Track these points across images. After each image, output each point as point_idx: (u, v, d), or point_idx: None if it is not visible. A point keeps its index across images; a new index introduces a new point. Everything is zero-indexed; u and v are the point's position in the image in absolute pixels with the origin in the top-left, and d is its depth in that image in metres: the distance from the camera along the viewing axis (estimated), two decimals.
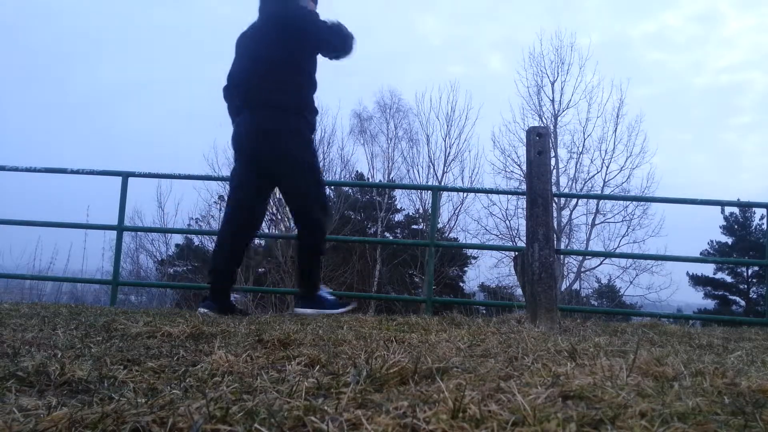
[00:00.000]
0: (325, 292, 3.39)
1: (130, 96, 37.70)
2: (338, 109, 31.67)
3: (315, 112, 3.43)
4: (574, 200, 18.40)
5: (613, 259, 17.85)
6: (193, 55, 40.04)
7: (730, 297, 22.27)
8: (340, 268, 15.84)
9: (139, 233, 16.32)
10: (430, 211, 7.93)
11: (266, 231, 17.09)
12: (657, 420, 0.94)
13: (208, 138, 37.34)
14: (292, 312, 3.38)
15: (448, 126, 18.80)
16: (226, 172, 16.90)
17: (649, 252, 15.70)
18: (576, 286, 18.23)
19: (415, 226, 18.22)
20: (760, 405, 1.08)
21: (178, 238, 17.88)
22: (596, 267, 18.55)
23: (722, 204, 5.60)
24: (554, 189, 15.10)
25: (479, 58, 35.53)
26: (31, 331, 2.05)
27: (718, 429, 0.93)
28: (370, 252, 16.77)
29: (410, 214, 18.80)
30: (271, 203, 17.45)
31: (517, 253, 5.11)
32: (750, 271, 21.41)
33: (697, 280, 22.06)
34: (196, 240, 17.79)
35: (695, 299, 22.12)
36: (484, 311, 9.76)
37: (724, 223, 22.35)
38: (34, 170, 5.48)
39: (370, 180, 18.46)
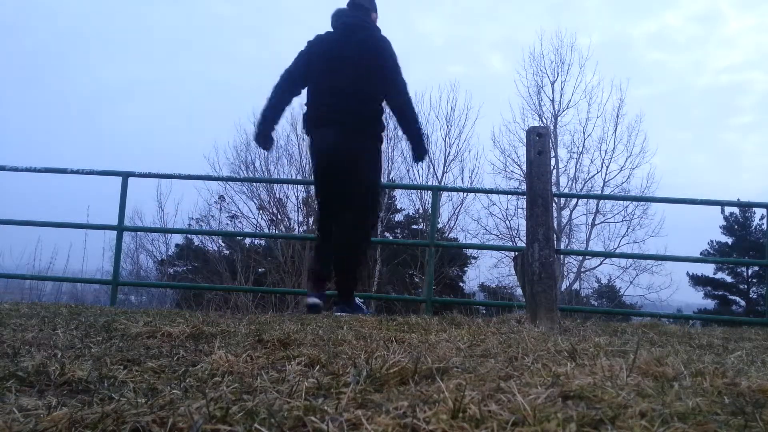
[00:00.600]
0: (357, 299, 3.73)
1: (130, 96, 37.68)
2: None
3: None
4: (574, 200, 18.39)
5: (613, 259, 17.84)
6: (193, 55, 40.02)
7: (730, 297, 22.26)
8: None
9: (139, 233, 16.31)
10: (430, 211, 7.93)
11: (266, 231, 17.10)
12: (657, 420, 0.94)
13: (209, 138, 37.39)
14: (333, 312, 3.61)
15: (448, 126, 18.78)
16: (227, 171, 16.93)
17: (649, 252, 15.68)
18: (576, 286, 18.24)
19: (415, 226, 18.21)
20: (760, 405, 1.08)
21: (178, 238, 17.87)
22: (596, 267, 18.55)
23: (722, 204, 5.60)
24: (554, 189, 15.10)
25: (479, 58, 35.52)
26: (31, 331, 2.05)
27: (718, 429, 0.93)
28: (370, 252, 16.78)
29: (410, 214, 18.80)
30: (271, 203, 17.46)
31: (517, 253, 5.11)
32: (750, 271, 21.40)
33: (697, 280, 22.05)
34: (196, 240, 17.78)
35: (695, 299, 22.13)
36: (484, 311, 9.76)
37: (724, 223, 22.35)
38: (34, 170, 5.48)
39: None
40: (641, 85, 36.58)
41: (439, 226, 16.06)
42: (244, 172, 17.28)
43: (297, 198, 17.81)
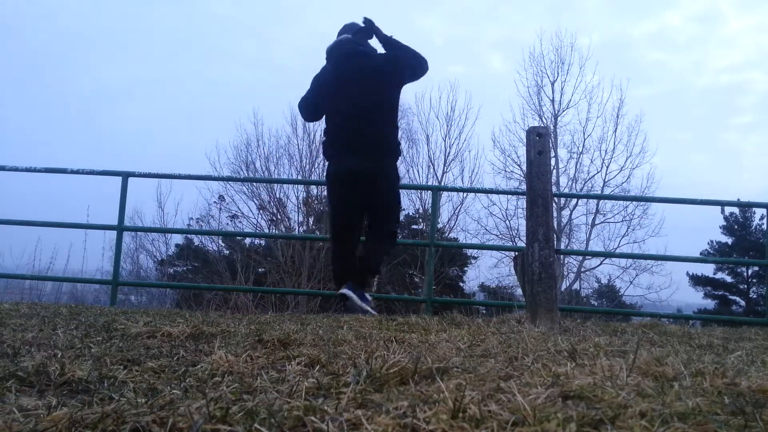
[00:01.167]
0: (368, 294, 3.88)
1: (130, 96, 37.63)
2: None
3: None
4: (574, 200, 18.37)
5: (613, 259, 17.83)
6: (193, 55, 39.98)
7: (730, 297, 22.25)
8: None
9: (139, 233, 16.30)
10: (430, 211, 7.92)
11: (266, 231, 17.10)
12: (657, 420, 0.94)
13: (209, 138, 37.38)
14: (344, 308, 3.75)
15: (447, 126, 18.76)
16: (227, 171, 16.93)
17: (649, 252, 15.68)
18: (576, 286, 18.23)
19: (415, 226, 18.19)
20: (760, 405, 1.08)
21: (178, 238, 17.84)
22: (596, 267, 18.54)
23: (722, 204, 5.60)
24: (554, 189, 15.09)
25: (479, 58, 35.47)
26: (31, 331, 2.05)
27: (718, 429, 0.93)
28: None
29: (410, 214, 18.79)
30: (272, 203, 17.46)
31: (517, 253, 5.11)
32: (750, 271, 21.39)
33: (697, 280, 22.04)
34: (196, 240, 17.77)
35: (695, 299, 22.11)
36: (484, 311, 9.76)
37: (724, 223, 22.34)
38: (34, 170, 5.49)
39: None
40: (641, 85, 36.55)
41: (439, 226, 16.06)
42: (244, 172, 17.29)
43: (297, 198, 17.82)
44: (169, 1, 41.09)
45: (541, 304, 2.90)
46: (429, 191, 11.29)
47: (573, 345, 1.85)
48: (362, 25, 3.96)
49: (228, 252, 16.92)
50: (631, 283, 18.29)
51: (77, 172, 5.48)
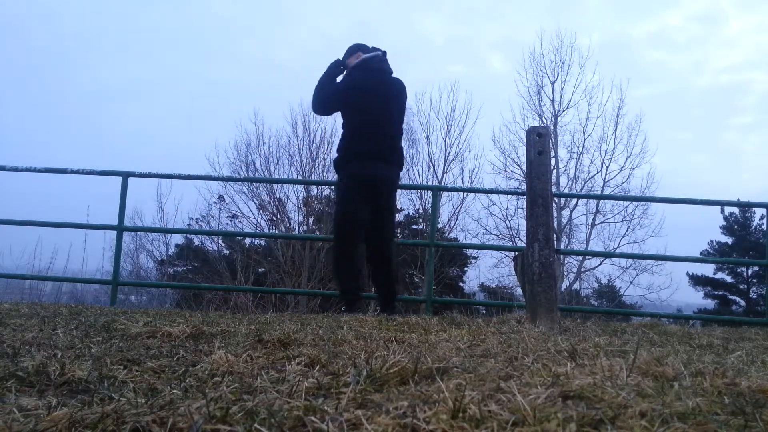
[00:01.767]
0: None
1: (130, 96, 37.60)
2: None
3: None
4: (574, 200, 18.34)
5: (613, 259, 17.80)
6: (193, 55, 39.94)
7: (730, 297, 22.24)
8: None
9: (139, 233, 16.30)
10: (430, 211, 7.92)
11: (266, 231, 17.11)
12: (657, 420, 0.94)
13: (209, 138, 37.37)
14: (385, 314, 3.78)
15: (448, 126, 18.73)
16: (227, 171, 16.93)
17: (649, 252, 15.65)
18: (576, 286, 18.21)
19: (415, 226, 18.19)
20: (760, 405, 1.08)
21: (178, 238, 17.82)
22: (596, 267, 18.51)
23: (722, 204, 5.60)
24: (554, 189, 15.08)
25: (480, 58, 35.45)
26: (31, 331, 2.05)
27: (718, 429, 0.93)
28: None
29: (410, 214, 18.79)
30: (271, 203, 17.46)
31: (517, 253, 5.12)
32: (750, 271, 21.38)
33: (697, 280, 22.03)
34: (196, 240, 17.76)
35: (695, 299, 22.09)
36: (484, 311, 9.76)
37: (724, 223, 22.32)
38: (34, 170, 5.48)
39: None
40: (641, 85, 36.51)
41: (439, 226, 16.06)
42: (244, 172, 17.29)
43: (297, 198, 17.82)
44: (169, 1, 41.09)
45: (541, 304, 2.90)
46: (429, 191, 11.29)
47: (573, 345, 1.85)
48: (380, 51, 4.27)
49: (228, 252, 16.92)
50: (631, 283, 18.29)
51: (77, 172, 5.48)
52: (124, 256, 8.25)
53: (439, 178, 18.18)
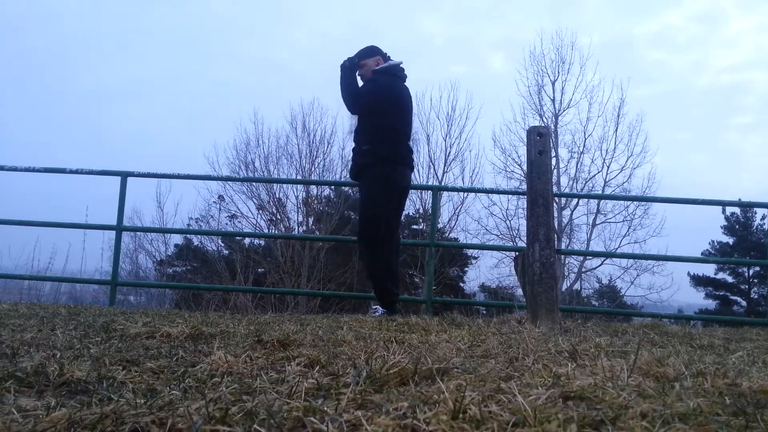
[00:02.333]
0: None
1: (130, 96, 37.59)
2: (338, 109, 31.46)
3: None
4: (575, 200, 18.35)
5: (614, 259, 17.79)
6: (193, 55, 39.94)
7: (732, 297, 22.23)
8: (340, 268, 15.83)
9: (138, 233, 16.30)
10: (430, 211, 7.93)
11: (266, 231, 17.11)
12: (658, 421, 0.94)
13: (209, 138, 37.37)
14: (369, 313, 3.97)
15: (448, 125, 18.74)
16: (226, 171, 16.93)
17: (650, 252, 15.59)
18: (577, 286, 18.19)
19: (415, 226, 18.19)
20: (761, 406, 1.07)
21: (178, 238, 17.81)
22: (597, 267, 18.50)
23: (723, 204, 5.61)
24: (555, 189, 15.06)
25: (480, 58, 35.43)
26: (29, 332, 2.04)
27: (719, 430, 0.93)
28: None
29: (410, 214, 18.78)
30: (271, 203, 17.47)
31: (517, 253, 5.11)
32: (751, 272, 21.37)
33: (698, 281, 22.02)
34: (195, 240, 17.77)
35: (696, 299, 22.06)
36: (485, 312, 9.75)
37: (725, 223, 22.30)
38: (34, 170, 5.48)
39: None
40: (642, 85, 36.48)
41: (440, 226, 16.06)
42: (244, 171, 17.29)
43: (297, 198, 17.83)
44: (169, 1, 41.05)
45: (542, 304, 2.90)
46: (429, 191, 11.29)
47: (574, 345, 1.85)
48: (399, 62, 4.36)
49: (227, 252, 16.92)
50: (632, 283, 18.27)
51: (76, 172, 5.47)
52: (123, 256, 8.26)
53: (440, 178, 18.19)
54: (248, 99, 36.73)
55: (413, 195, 17.73)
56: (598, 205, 18.04)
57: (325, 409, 1.03)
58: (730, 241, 22.43)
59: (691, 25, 37.85)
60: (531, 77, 19.42)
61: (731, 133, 36.08)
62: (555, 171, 17.96)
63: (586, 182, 18.58)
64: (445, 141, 18.65)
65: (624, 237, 18.05)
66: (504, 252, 17.41)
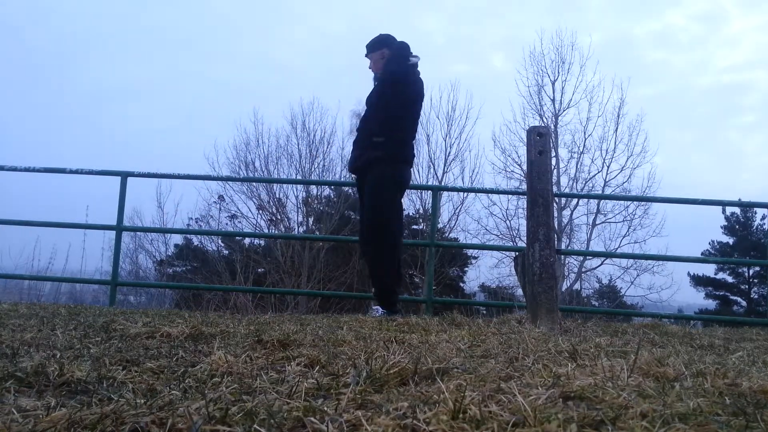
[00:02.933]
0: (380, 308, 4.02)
1: (130, 96, 37.58)
2: (338, 109, 31.52)
3: None
4: (575, 200, 18.34)
5: (614, 259, 17.78)
6: (193, 55, 39.93)
7: (732, 297, 22.23)
8: (340, 268, 15.84)
9: (138, 233, 16.31)
10: (430, 211, 7.93)
11: (266, 231, 17.11)
12: (658, 421, 0.94)
13: (209, 138, 37.35)
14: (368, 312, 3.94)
15: (448, 125, 18.74)
16: (226, 171, 16.93)
17: (650, 252, 15.58)
18: (577, 286, 18.19)
19: (415, 227, 18.18)
20: (761, 406, 1.07)
21: (178, 238, 17.81)
22: (597, 267, 18.49)
23: (723, 204, 5.60)
24: (555, 189, 15.05)
25: (481, 57, 35.39)
26: (29, 332, 2.04)
27: (719, 430, 0.93)
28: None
29: (410, 214, 18.78)
30: (271, 203, 17.46)
31: (517, 253, 5.11)
32: (751, 272, 21.38)
33: (698, 281, 22.02)
34: (195, 240, 17.76)
35: (696, 299, 22.06)
36: (485, 312, 9.75)
37: (726, 223, 22.31)
38: (33, 170, 5.48)
39: None
40: (643, 85, 36.45)
41: (440, 226, 16.06)
42: (244, 171, 17.28)
43: (297, 198, 17.82)
44: (169, 1, 41.04)
45: (542, 304, 2.90)
46: (429, 191, 11.29)
47: (574, 345, 1.85)
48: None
49: (227, 252, 16.92)
50: (632, 283, 18.26)
51: (76, 172, 5.47)
52: (123, 256, 8.26)
53: (440, 178, 18.18)
54: (248, 99, 36.75)
55: (413, 195, 17.75)
56: (598, 205, 18.04)
57: (325, 409, 1.03)
58: (730, 241, 22.44)
59: (692, 24, 37.79)
60: (531, 77, 19.41)
61: (732, 133, 36.08)
62: (555, 171, 17.95)
63: (586, 182, 18.58)
64: (445, 141, 18.65)
65: (624, 237, 18.06)
66: (504, 252, 17.40)
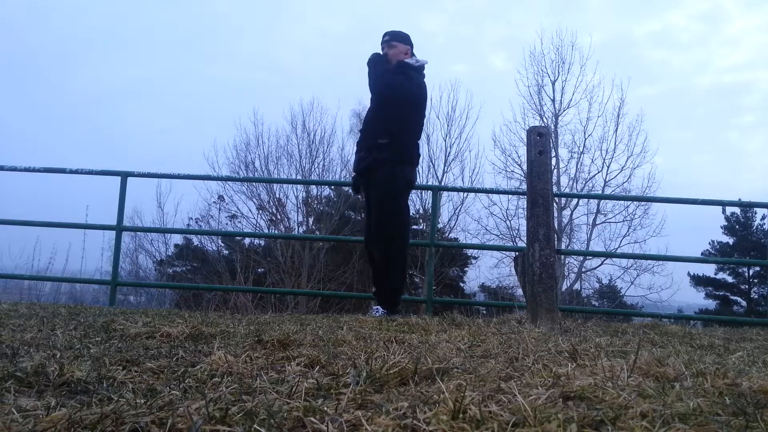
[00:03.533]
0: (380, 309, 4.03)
1: (130, 96, 37.58)
2: (338, 109, 31.48)
3: None
4: (575, 200, 18.34)
5: (614, 259, 17.79)
6: (193, 55, 39.93)
7: (732, 297, 22.23)
8: (340, 268, 15.83)
9: (138, 233, 16.30)
10: (430, 211, 7.93)
11: (266, 231, 17.11)
12: (658, 421, 0.94)
13: (209, 138, 37.36)
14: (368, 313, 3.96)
15: (448, 125, 18.74)
16: (226, 171, 16.93)
17: (650, 252, 15.60)
18: (577, 286, 18.19)
19: (415, 227, 18.17)
20: (761, 406, 1.07)
21: (178, 238, 17.79)
22: (597, 267, 18.50)
23: (723, 204, 5.59)
24: (555, 189, 15.06)
25: (482, 57, 35.38)
26: (29, 332, 2.04)
27: (719, 430, 0.93)
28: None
29: (410, 214, 18.78)
30: (271, 203, 17.46)
31: (517, 253, 5.11)
32: (751, 272, 21.38)
33: (698, 281, 22.01)
34: (195, 240, 17.76)
35: (696, 300, 22.05)
36: (485, 312, 9.75)
37: (726, 223, 22.31)
38: (33, 170, 5.48)
39: None
40: (643, 85, 36.47)
41: (440, 226, 16.06)
42: (244, 171, 17.28)
43: (297, 198, 17.82)
44: (169, 0, 41.04)
45: (542, 304, 2.90)
46: (429, 191, 11.28)
47: (574, 345, 1.85)
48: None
49: (227, 252, 16.92)
50: (632, 283, 18.26)
51: (76, 171, 5.47)
52: (123, 256, 8.26)
53: (440, 178, 18.19)
54: (248, 99, 36.76)
55: (413, 195, 17.74)
56: (598, 205, 18.04)
57: (325, 409, 1.03)
58: (730, 241, 22.43)
59: (693, 24, 37.76)
60: (531, 77, 19.41)
61: (733, 133, 36.07)
62: (555, 171, 17.95)
63: (586, 182, 18.58)
64: (445, 141, 18.66)
65: (624, 237, 18.05)
66: (504, 252, 17.41)
